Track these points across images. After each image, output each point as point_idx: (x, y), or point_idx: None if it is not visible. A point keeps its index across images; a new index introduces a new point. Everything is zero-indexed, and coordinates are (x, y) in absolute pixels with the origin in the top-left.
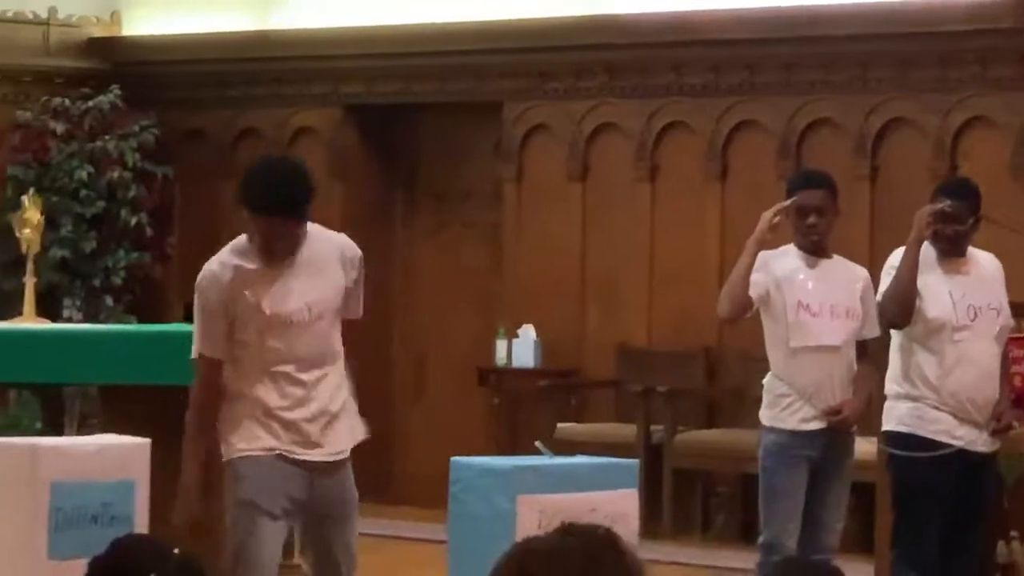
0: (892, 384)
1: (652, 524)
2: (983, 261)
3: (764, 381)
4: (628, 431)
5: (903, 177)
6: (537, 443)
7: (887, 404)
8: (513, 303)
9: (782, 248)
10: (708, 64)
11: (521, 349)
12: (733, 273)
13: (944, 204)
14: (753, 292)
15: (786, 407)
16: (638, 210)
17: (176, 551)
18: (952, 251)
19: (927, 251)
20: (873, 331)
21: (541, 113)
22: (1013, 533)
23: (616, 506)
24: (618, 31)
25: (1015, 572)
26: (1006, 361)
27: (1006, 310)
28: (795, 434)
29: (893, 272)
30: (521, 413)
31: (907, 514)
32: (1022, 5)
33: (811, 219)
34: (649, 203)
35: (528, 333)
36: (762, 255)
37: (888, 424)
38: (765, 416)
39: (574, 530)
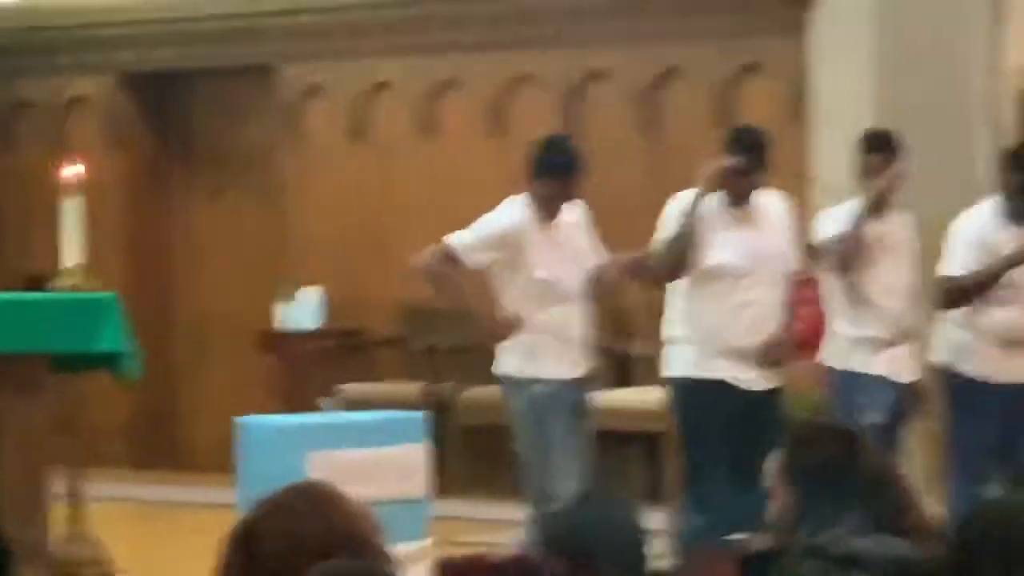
0: (674, 329)
1: (442, 479)
2: (769, 207)
3: None
4: (414, 389)
5: (679, 126)
6: (322, 401)
7: (669, 348)
8: (294, 265)
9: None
10: (484, 19)
11: (303, 311)
12: None
13: (734, 161)
14: None
15: None
16: (418, 168)
17: None
18: (738, 201)
19: (711, 198)
20: None
21: (317, 74)
22: None
23: (405, 460)
24: None
25: None
26: (788, 303)
27: (789, 255)
28: None
29: (676, 219)
30: (306, 374)
31: (694, 458)
32: None
33: None
34: (429, 160)
35: (310, 295)
36: None
37: (671, 369)
38: None
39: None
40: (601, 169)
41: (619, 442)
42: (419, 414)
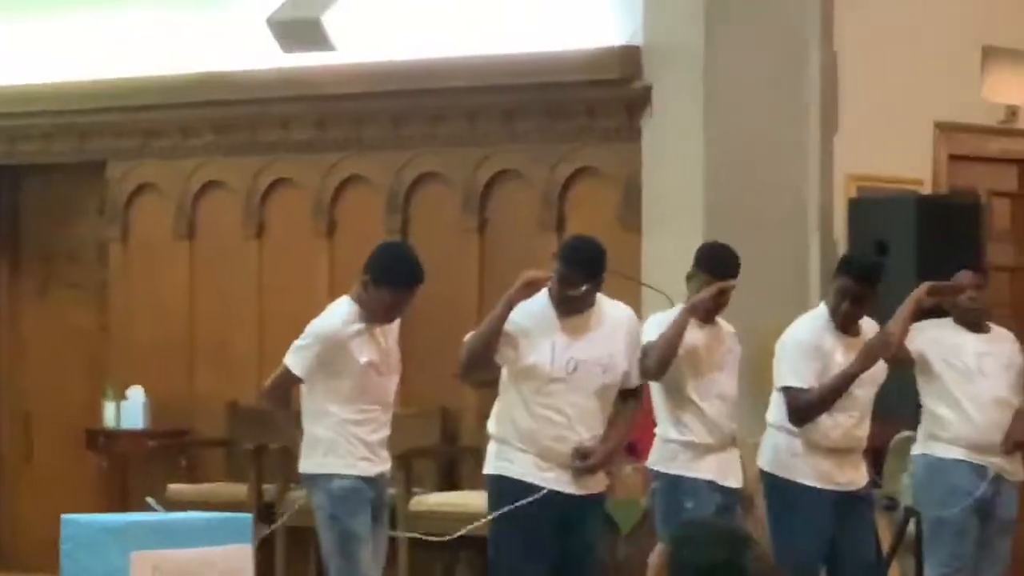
0: (490, 425)
1: None
2: (608, 316)
3: None
4: (239, 490)
5: (512, 229)
6: (149, 499)
7: (489, 445)
8: (121, 364)
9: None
10: (314, 119)
11: (130, 410)
12: None
13: (558, 272)
14: None
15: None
16: (246, 268)
17: None
18: (570, 311)
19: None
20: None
21: (147, 172)
22: None
23: (231, 561)
24: (224, 87)
25: None
26: (622, 418)
27: (618, 366)
28: None
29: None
30: (131, 474)
31: (508, 565)
32: (628, 55)
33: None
34: (257, 261)
35: (137, 394)
36: None
37: (487, 466)
38: None
39: None
40: (432, 270)
41: (449, 547)
42: (246, 516)
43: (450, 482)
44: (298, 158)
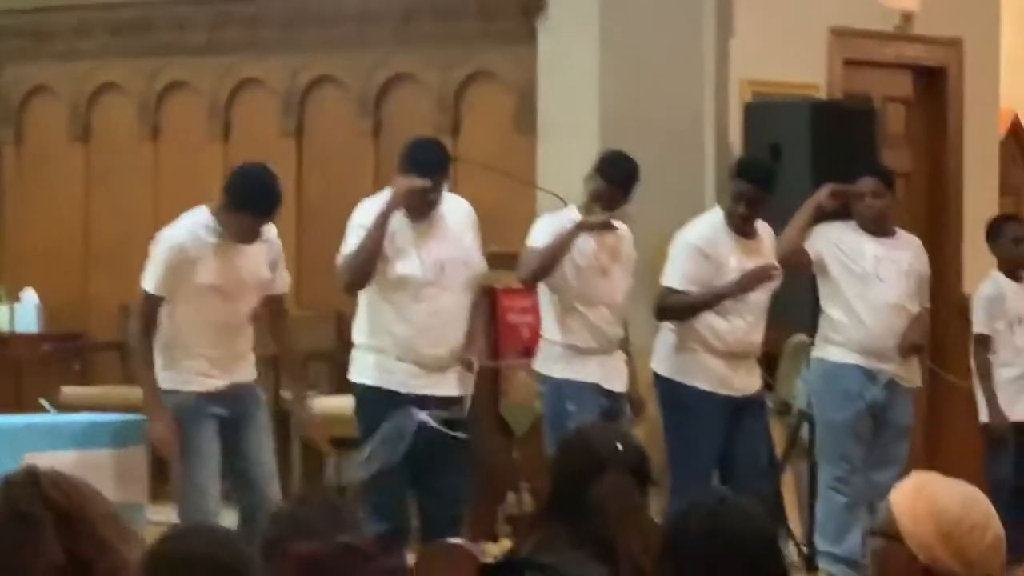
0: (359, 335)
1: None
2: (450, 212)
3: None
4: (134, 393)
5: (407, 132)
6: (42, 402)
7: (354, 354)
8: (14, 268)
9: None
10: (210, 22)
11: (23, 314)
12: None
13: (419, 182)
14: None
15: None
16: (141, 171)
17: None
18: (420, 217)
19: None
20: None
21: (41, 74)
22: (524, 484)
23: (125, 464)
24: None
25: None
26: (477, 310)
27: (475, 259)
28: None
29: (361, 230)
30: (25, 378)
31: (374, 465)
32: None
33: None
34: (152, 164)
35: (30, 297)
36: None
37: (353, 375)
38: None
39: None
40: (327, 173)
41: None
42: (139, 417)
43: (347, 385)
44: (193, 61)
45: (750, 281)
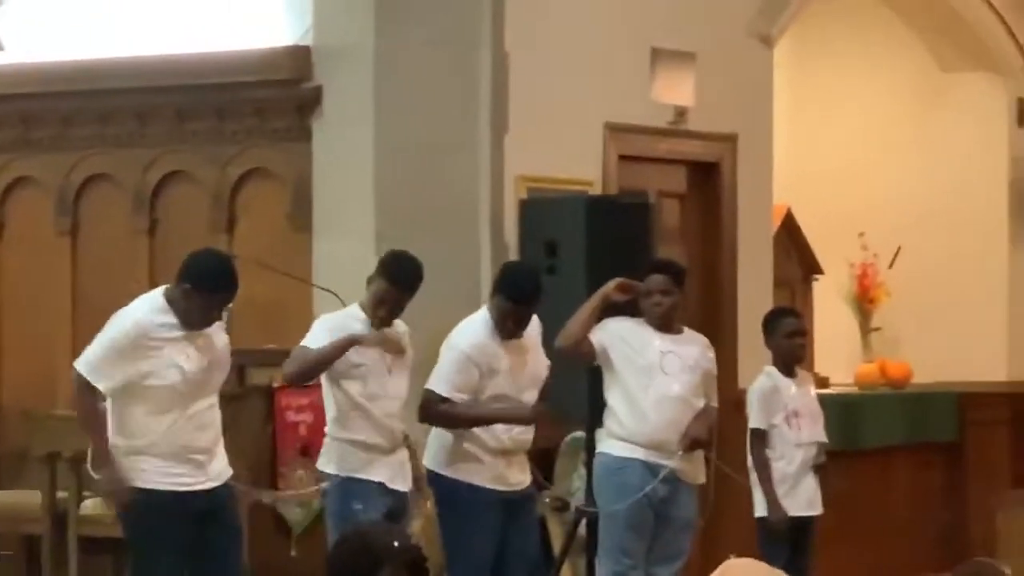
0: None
1: None
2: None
3: None
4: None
5: (183, 230)
6: None
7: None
8: None
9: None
10: None
11: None
12: None
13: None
14: None
15: None
16: None
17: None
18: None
19: None
20: None
21: None
22: None
23: None
24: None
25: None
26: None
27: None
28: None
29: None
30: None
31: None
32: (297, 55)
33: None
34: None
35: None
36: None
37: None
38: None
39: None
40: (102, 272)
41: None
42: None
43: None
44: None
45: (512, 416)
